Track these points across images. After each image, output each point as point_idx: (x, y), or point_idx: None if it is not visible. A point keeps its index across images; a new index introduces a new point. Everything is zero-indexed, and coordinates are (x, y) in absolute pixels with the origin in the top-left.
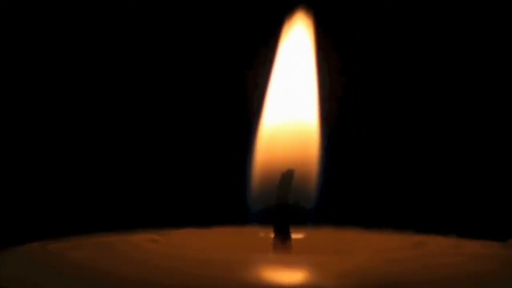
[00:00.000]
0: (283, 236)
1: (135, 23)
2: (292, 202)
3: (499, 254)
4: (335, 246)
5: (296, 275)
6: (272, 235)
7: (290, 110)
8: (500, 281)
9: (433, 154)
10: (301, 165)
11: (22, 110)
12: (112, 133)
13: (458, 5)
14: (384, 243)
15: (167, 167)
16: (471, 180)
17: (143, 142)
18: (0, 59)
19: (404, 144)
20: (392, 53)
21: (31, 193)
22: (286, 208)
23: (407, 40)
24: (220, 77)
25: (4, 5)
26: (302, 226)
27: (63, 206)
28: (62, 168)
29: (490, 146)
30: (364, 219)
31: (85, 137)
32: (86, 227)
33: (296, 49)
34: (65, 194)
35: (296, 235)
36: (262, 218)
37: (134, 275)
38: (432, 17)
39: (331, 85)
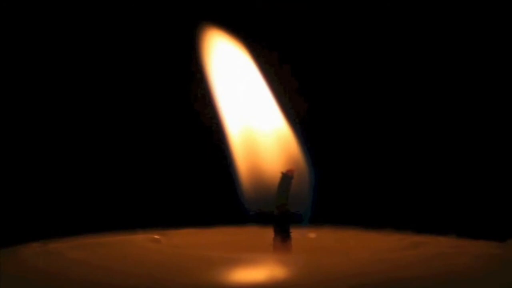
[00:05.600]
0: (283, 236)
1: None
2: (291, 206)
3: (499, 254)
4: (335, 246)
5: (296, 275)
6: (272, 235)
7: (250, 117)
8: (500, 281)
9: (433, 154)
10: (289, 167)
11: (22, 110)
12: (112, 133)
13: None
14: (384, 243)
15: (167, 168)
16: (470, 180)
17: (143, 143)
18: (0, 59)
19: (404, 144)
20: (382, 48)
21: (31, 193)
22: (286, 209)
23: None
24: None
25: (4, 5)
26: (302, 226)
27: (63, 206)
28: (62, 168)
29: (490, 146)
30: (364, 219)
31: (85, 137)
32: (86, 227)
33: (228, 60)
34: (65, 194)
35: (296, 235)
36: (262, 218)
37: (135, 274)
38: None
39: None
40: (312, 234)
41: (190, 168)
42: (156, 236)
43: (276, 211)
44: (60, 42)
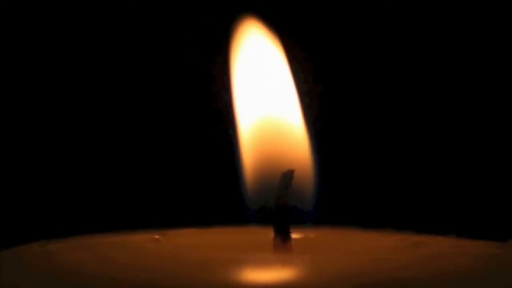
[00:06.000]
0: (283, 236)
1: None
2: (291, 203)
3: (499, 254)
4: (335, 246)
5: (296, 275)
6: (272, 235)
7: (267, 108)
8: (500, 281)
9: (433, 154)
10: (294, 164)
11: (22, 110)
12: (112, 133)
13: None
14: (384, 243)
15: (167, 168)
16: (470, 180)
17: (143, 143)
18: (0, 59)
19: (404, 144)
20: (385, 47)
21: (31, 193)
22: (286, 209)
23: (384, 30)
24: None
25: (4, 5)
26: (302, 226)
27: (63, 206)
28: (62, 168)
29: (490, 146)
30: (364, 219)
31: (85, 137)
32: (86, 227)
33: (257, 51)
34: (65, 194)
35: (296, 235)
36: (262, 218)
37: (135, 275)
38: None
39: (312, 82)
40: (312, 234)
41: (190, 168)
42: (156, 236)
43: (275, 204)
44: (70, 41)
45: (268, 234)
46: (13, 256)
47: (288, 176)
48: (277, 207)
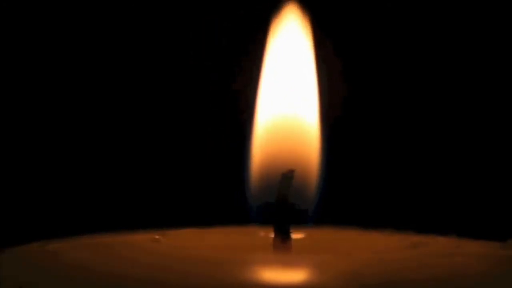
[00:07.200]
0: (283, 236)
1: (125, 21)
2: (292, 203)
3: (499, 254)
4: (335, 246)
5: (296, 275)
6: (272, 235)
7: (288, 105)
8: (500, 281)
9: (433, 154)
10: (301, 163)
11: (22, 110)
12: (112, 133)
13: (459, 4)
14: (384, 243)
15: (167, 168)
16: (470, 180)
17: (143, 143)
18: (0, 59)
19: (404, 144)
20: (393, 51)
21: (31, 193)
22: (286, 208)
23: (407, 37)
24: (215, 74)
25: (4, 5)
26: (302, 226)
27: (63, 206)
28: (62, 168)
29: (490, 146)
30: (364, 219)
31: (85, 137)
32: (86, 227)
33: (290, 43)
34: (65, 194)
35: (296, 235)
36: (262, 217)
37: (135, 275)
38: (431, 10)
39: (331, 82)
40: (312, 234)
41: (190, 168)
42: (156, 236)
43: (275, 203)
44: (81, 39)
45: (268, 234)
46: (13, 256)
47: (288, 176)
48: (277, 207)
